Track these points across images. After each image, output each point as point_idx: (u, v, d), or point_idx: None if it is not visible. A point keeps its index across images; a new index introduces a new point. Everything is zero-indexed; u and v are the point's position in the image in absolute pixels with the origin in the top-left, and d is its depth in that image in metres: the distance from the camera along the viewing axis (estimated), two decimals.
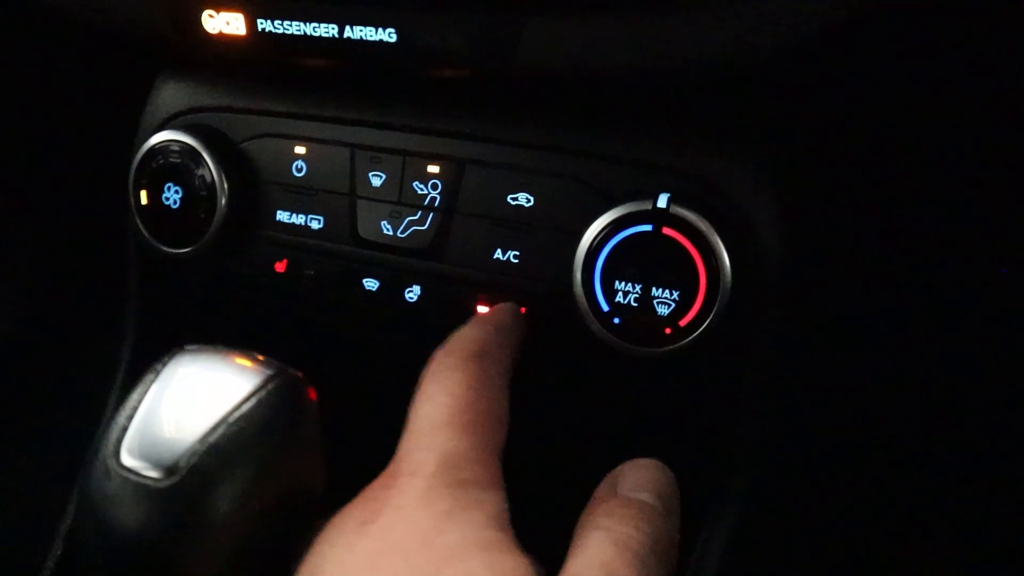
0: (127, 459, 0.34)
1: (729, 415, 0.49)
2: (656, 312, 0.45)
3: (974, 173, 0.53)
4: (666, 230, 0.45)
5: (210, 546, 0.34)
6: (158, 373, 0.37)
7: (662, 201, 0.44)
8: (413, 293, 0.52)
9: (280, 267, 0.55)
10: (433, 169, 0.50)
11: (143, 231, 0.56)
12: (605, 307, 0.46)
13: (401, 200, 0.51)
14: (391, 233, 0.52)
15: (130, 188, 0.56)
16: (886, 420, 0.61)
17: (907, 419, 0.61)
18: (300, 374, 0.38)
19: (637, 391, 0.51)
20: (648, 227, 0.45)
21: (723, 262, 0.44)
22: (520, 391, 0.40)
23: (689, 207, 0.44)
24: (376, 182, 0.52)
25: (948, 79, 0.49)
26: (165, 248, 0.56)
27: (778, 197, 0.45)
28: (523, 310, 0.48)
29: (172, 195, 0.55)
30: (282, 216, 0.54)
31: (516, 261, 0.49)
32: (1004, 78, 0.48)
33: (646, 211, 0.45)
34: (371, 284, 0.52)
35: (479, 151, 0.50)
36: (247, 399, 0.36)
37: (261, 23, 0.49)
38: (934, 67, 0.49)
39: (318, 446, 0.39)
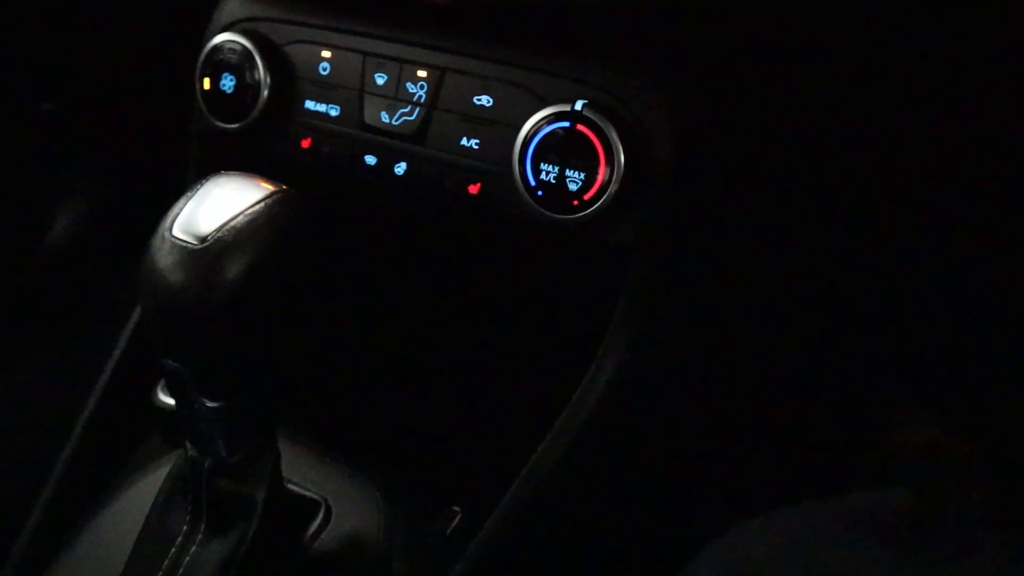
0: (176, 232, 0.52)
1: (617, 276, 0.64)
2: (568, 188, 0.61)
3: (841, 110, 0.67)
4: (579, 127, 0.60)
5: (223, 297, 0.51)
6: (202, 184, 0.55)
7: (578, 105, 0.60)
8: (401, 168, 0.68)
9: (305, 144, 0.72)
10: (422, 74, 0.67)
11: (204, 110, 0.74)
12: (532, 182, 0.62)
13: (397, 96, 0.68)
14: (388, 121, 0.68)
15: (196, 77, 0.74)
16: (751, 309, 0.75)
17: (772, 316, 0.75)
18: (298, 194, 0.55)
19: (552, 255, 0.66)
20: (567, 124, 0.61)
21: (619, 154, 0.59)
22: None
23: (598, 112, 0.60)
24: (379, 81, 0.68)
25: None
26: (220, 123, 0.73)
27: (669, 113, 0.61)
28: (479, 185, 0.64)
29: (227, 83, 0.72)
30: (309, 104, 0.71)
31: (477, 148, 0.65)
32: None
33: (566, 112, 0.60)
34: (371, 160, 0.69)
35: (456, 62, 0.66)
36: (259, 201, 0.53)
37: None
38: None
39: (305, 250, 0.55)
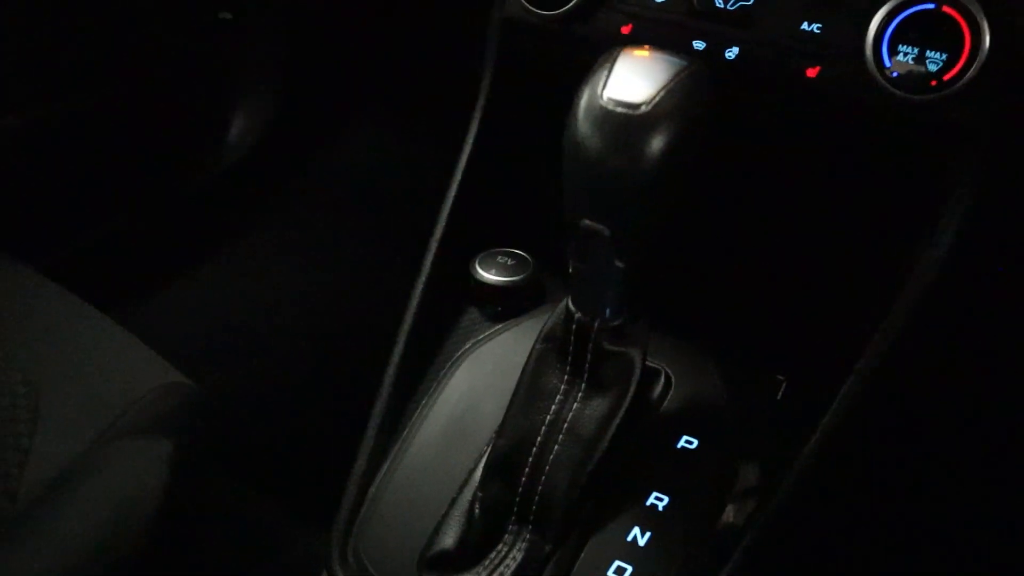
0: (608, 98, 0.55)
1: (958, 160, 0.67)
2: (927, 69, 0.63)
3: None
4: (945, 8, 0.62)
5: (654, 162, 0.55)
6: (613, 60, 0.58)
7: None
8: (732, 52, 0.70)
9: (625, 30, 0.74)
10: None
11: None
12: (888, 63, 0.64)
13: None
14: (721, 7, 0.70)
15: None
16: None
17: None
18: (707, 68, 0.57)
19: (895, 136, 0.69)
20: (932, 5, 0.63)
21: (984, 36, 0.62)
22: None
23: None
24: None
25: None
26: (538, 10, 0.76)
27: None
28: (818, 69, 0.67)
29: None
30: None
31: (819, 31, 0.67)
32: None
33: None
34: (699, 45, 0.71)
35: None
36: (679, 73, 0.56)
37: None
38: None
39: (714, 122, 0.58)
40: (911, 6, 0.63)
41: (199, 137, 1.41)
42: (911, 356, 0.66)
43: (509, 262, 0.78)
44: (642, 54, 0.58)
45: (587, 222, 0.57)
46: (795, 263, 0.75)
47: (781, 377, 0.71)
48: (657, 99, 0.55)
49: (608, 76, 0.56)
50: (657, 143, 0.54)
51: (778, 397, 0.71)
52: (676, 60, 0.57)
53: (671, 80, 0.55)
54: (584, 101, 0.56)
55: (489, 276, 0.77)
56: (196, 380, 0.77)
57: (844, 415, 0.63)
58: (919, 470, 0.74)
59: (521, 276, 0.77)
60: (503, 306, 0.77)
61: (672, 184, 0.56)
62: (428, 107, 1.26)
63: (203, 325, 1.21)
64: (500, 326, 0.76)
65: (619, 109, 0.54)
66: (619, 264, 0.58)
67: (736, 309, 0.74)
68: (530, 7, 0.76)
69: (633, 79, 0.56)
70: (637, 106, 0.54)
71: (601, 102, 0.55)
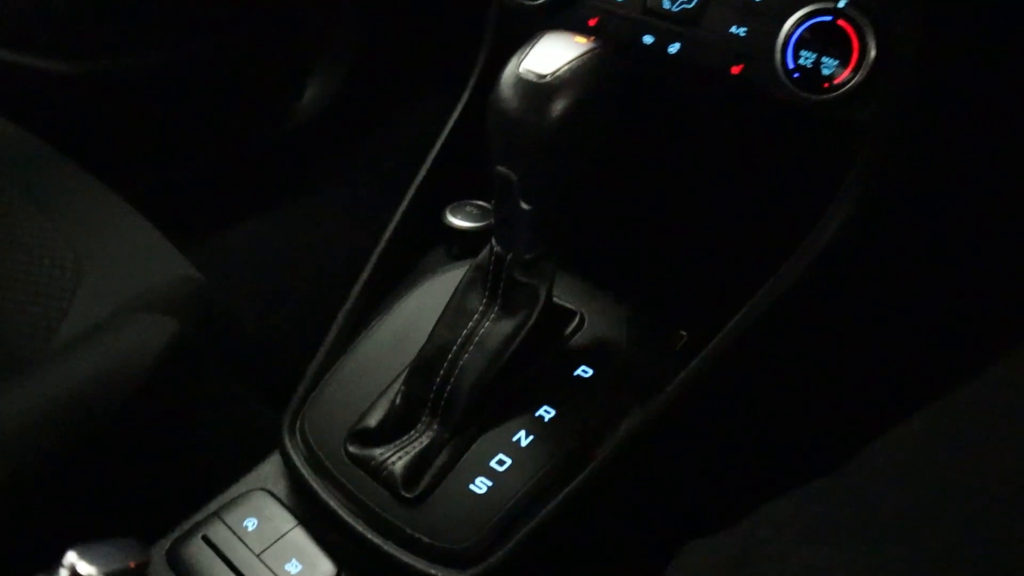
0: (523, 69, 0.68)
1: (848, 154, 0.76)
2: (821, 72, 0.73)
3: None
4: (840, 21, 0.72)
5: (553, 121, 0.67)
6: (535, 41, 0.70)
7: (842, 3, 0.72)
8: (674, 48, 0.82)
9: (591, 23, 0.86)
10: None
11: None
12: (791, 65, 0.75)
13: None
14: (668, 8, 0.82)
15: None
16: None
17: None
18: (612, 51, 0.69)
19: (795, 129, 0.79)
20: (829, 18, 0.73)
21: (870, 47, 0.71)
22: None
23: (858, 9, 0.72)
24: None
25: None
26: (527, 1, 0.89)
27: (916, 13, 0.72)
28: (741, 67, 0.77)
29: None
30: None
31: (744, 35, 0.78)
32: None
33: (829, 8, 0.73)
34: (648, 39, 0.83)
35: None
36: (585, 53, 0.68)
37: None
38: None
39: (615, 96, 0.70)
40: (812, 18, 0.73)
41: (275, 98, 1.59)
42: (774, 331, 0.76)
43: (474, 211, 0.91)
44: (560, 36, 0.70)
45: (501, 168, 0.70)
46: (709, 232, 0.86)
47: (684, 332, 0.82)
48: (560, 72, 0.67)
49: (528, 52, 0.69)
50: (557, 106, 0.67)
51: (677, 348, 0.81)
52: (584, 44, 0.69)
53: (574, 58, 0.68)
54: (507, 70, 0.69)
55: (455, 221, 0.90)
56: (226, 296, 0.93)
57: (697, 370, 0.74)
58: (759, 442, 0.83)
59: (482, 223, 0.90)
60: (464, 248, 0.90)
61: (570, 140, 0.68)
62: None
63: (248, 257, 1.39)
64: (457, 264, 0.89)
65: (531, 78, 0.67)
66: (525, 206, 0.71)
67: (654, 268, 0.85)
68: None
69: (546, 55, 0.68)
70: (544, 76, 0.67)
71: (519, 71, 0.68)
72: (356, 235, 1.49)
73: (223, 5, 1.44)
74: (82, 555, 0.54)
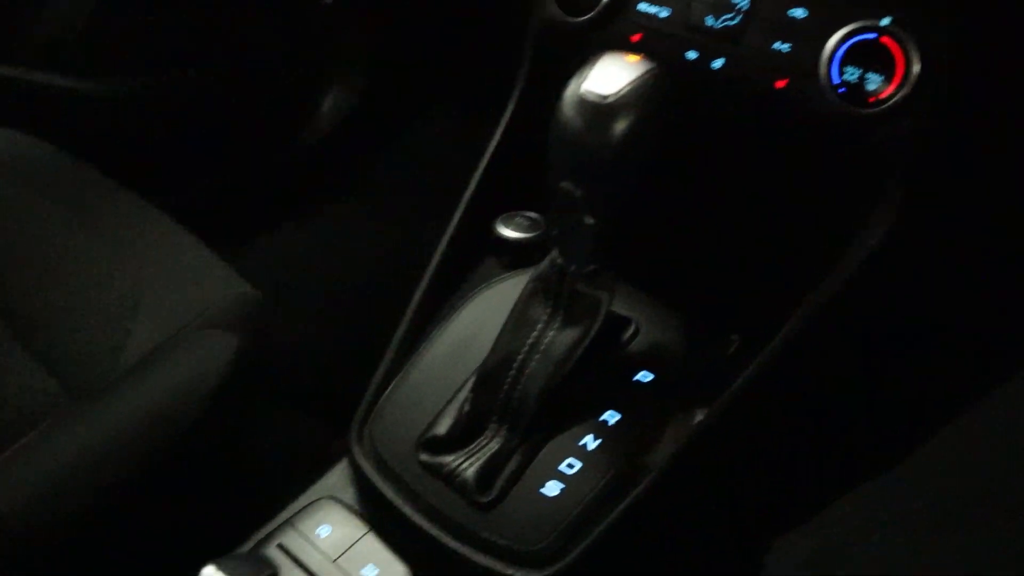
0: (585, 90, 0.71)
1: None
2: (866, 88, 0.77)
3: None
4: (884, 39, 0.76)
5: (615, 140, 0.70)
6: (595, 62, 0.73)
7: (885, 21, 0.76)
8: (718, 63, 0.85)
9: (634, 38, 0.89)
10: None
11: (554, 4, 0.92)
12: (836, 80, 0.78)
13: (723, 4, 0.84)
14: (711, 24, 0.85)
15: None
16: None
17: None
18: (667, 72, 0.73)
19: (844, 145, 0.82)
20: (873, 35, 0.76)
21: (914, 65, 0.75)
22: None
23: (901, 27, 0.75)
24: None
25: None
26: (568, 17, 0.92)
27: (955, 31, 0.75)
28: (786, 81, 0.81)
29: None
30: (642, 7, 0.89)
31: (787, 50, 0.81)
32: None
33: (875, 25, 0.76)
34: (691, 55, 0.86)
35: None
36: (644, 74, 0.71)
37: None
38: None
39: (671, 116, 0.74)
40: (856, 35, 0.77)
41: (295, 113, 1.62)
42: (827, 333, 0.79)
43: (525, 222, 0.94)
44: (618, 57, 0.73)
45: (565, 184, 0.73)
46: (754, 240, 0.89)
47: (735, 337, 0.85)
48: (622, 92, 0.70)
49: (588, 73, 0.72)
50: (619, 126, 0.70)
51: (730, 352, 0.85)
52: (642, 64, 0.72)
53: (635, 79, 0.71)
54: (569, 91, 0.72)
55: (507, 232, 0.93)
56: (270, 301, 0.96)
57: (757, 371, 0.77)
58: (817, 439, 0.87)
59: (533, 234, 0.93)
60: (516, 258, 0.93)
61: (631, 157, 0.72)
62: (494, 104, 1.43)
63: (281, 266, 1.42)
64: (510, 274, 0.92)
65: (593, 99, 0.70)
66: (588, 220, 0.74)
67: (704, 276, 0.89)
68: (564, 16, 0.92)
69: (606, 76, 0.71)
70: (606, 97, 0.70)
71: (581, 92, 0.71)
72: (382, 246, 1.53)
73: (248, 25, 1.47)
74: (220, 568, 0.57)
